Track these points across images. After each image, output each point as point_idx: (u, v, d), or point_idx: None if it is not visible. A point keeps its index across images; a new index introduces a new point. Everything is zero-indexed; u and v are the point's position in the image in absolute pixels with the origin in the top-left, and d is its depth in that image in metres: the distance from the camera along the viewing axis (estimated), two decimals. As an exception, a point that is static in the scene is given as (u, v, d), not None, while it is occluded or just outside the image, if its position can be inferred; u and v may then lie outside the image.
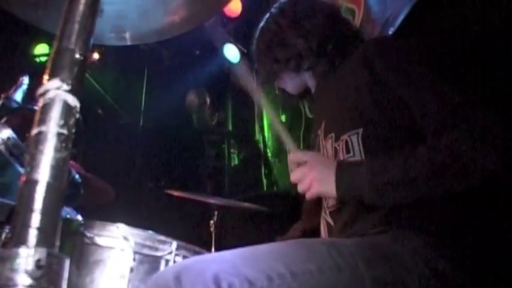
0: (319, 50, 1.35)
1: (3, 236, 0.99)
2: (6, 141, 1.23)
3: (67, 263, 0.44)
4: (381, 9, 2.43)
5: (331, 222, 1.23)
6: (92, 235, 0.93)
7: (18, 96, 1.58)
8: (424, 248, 0.97)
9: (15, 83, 1.67)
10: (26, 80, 1.67)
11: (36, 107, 1.22)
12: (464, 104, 1.04)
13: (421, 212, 1.04)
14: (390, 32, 2.20)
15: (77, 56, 0.57)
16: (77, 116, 0.54)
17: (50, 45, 4.37)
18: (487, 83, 1.46)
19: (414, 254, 0.96)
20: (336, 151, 1.23)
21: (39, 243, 0.43)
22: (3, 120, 1.37)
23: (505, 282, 1.04)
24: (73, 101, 0.54)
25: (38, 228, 0.44)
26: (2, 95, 1.52)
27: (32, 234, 0.43)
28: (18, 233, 0.43)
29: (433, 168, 0.97)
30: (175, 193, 2.74)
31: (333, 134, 1.27)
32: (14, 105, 1.50)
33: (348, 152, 1.19)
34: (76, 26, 0.60)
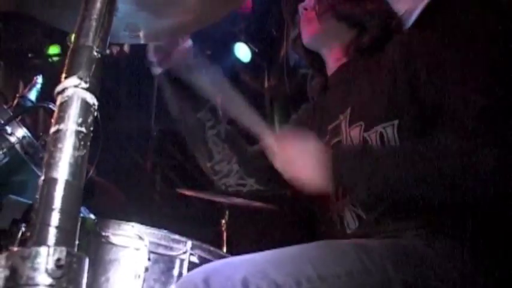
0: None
1: (20, 233, 0.99)
2: (22, 141, 1.23)
3: (86, 262, 0.44)
4: (395, 6, 2.40)
5: (363, 215, 1.20)
6: (106, 234, 0.93)
7: (33, 95, 1.58)
8: (456, 254, 0.96)
9: (29, 83, 1.67)
10: (40, 80, 1.67)
11: (50, 106, 1.22)
12: (488, 109, 1.02)
13: (456, 219, 1.02)
14: (404, 30, 2.18)
15: (95, 53, 0.57)
16: (95, 114, 0.53)
17: (62, 46, 4.40)
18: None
19: (446, 259, 0.95)
20: (365, 141, 1.21)
21: (59, 242, 0.42)
22: (18, 119, 1.37)
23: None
24: (91, 98, 0.53)
25: (58, 227, 0.43)
26: (17, 94, 1.53)
27: (52, 233, 0.42)
28: (38, 231, 0.42)
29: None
30: (188, 192, 2.75)
31: (362, 123, 1.23)
32: (29, 104, 1.50)
33: (383, 145, 1.17)
34: (93, 23, 0.59)
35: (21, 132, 1.28)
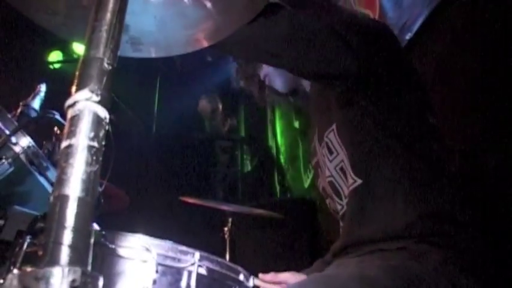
0: None
1: (25, 245, 0.98)
2: (26, 150, 1.22)
3: (101, 281, 0.42)
4: (397, 14, 2.40)
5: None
6: (113, 246, 0.92)
7: (36, 103, 1.57)
8: (444, 264, 0.95)
9: (32, 90, 1.66)
10: (43, 88, 1.67)
11: (56, 116, 1.21)
12: None
13: (438, 223, 1.01)
14: (407, 38, 2.17)
15: (106, 65, 0.56)
16: (107, 127, 0.52)
17: (64, 52, 4.40)
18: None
19: (435, 271, 0.94)
20: (323, 158, 1.23)
21: (73, 262, 0.41)
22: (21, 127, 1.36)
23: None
24: (103, 112, 0.52)
25: (71, 246, 0.42)
26: (21, 103, 1.52)
27: (65, 253, 0.41)
28: (50, 251, 0.41)
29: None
30: (190, 200, 2.73)
31: (317, 137, 1.27)
32: (32, 113, 1.49)
33: (331, 153, 1.18)
34: (104, 35, 0.59)
35: (25, 141, 1.27)
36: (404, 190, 1.03)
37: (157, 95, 4.74)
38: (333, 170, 1.18)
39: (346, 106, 1.13)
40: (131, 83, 4.61)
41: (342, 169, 1.15)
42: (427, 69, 1.81)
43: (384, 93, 1.11)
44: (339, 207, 1.20)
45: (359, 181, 1.08)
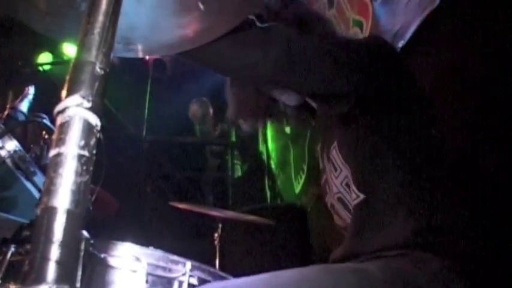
0: None
1: (9, 254, 0.94)
2: (13, 154, 1.18)
3: (90, 301, 0.40)
4: (390, 21, 2.39)
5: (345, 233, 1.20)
6: (102, 255, 0.89)
7: (24, 106, 1.54)
8: (443, 271, 0.95)
9: (20, 93, 1.63)
10: (31, 90, 1.64)
11: (44, 120, 1.18)
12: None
13: (439, 235, 1.01)
14: (400, 45, 2.17)
15: (98, 69, 0.53)
16: (98, 135, 0.50)
17: (53, 53, 4.35)
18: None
19: (434, 278, 0.93)
20: (330, 174, 1.22)
21: (61, 279, 0.38)
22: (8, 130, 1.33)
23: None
24: (94, 119, 0.50)
25: (58, 262, 0.39)
26: (8, 106, 1.49)
27: (52, 269, 0.39)
28: (37, 267, 0.39)
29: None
30: (180, 205, 2.70)
31: (325, 155, 1.25)
32: (20, 115, 1.46)
33: (335, 170, 1.16)
34: (96, 38, 0.56)
35: (12, 145, 1.23)
36: (406, 204, 1.03)
37: (147, 99, 4.70)
38: (339, 186, 1.18)
39: (345, 124, 1.13)
40: (121, 87, 4.58)
41: (347, 185, 1.15)
42: (420, 76, 1.80)
43: (385, 110, 1.12)
44: (349, 220, 1.19)
45: (362, 196, 1.08)
